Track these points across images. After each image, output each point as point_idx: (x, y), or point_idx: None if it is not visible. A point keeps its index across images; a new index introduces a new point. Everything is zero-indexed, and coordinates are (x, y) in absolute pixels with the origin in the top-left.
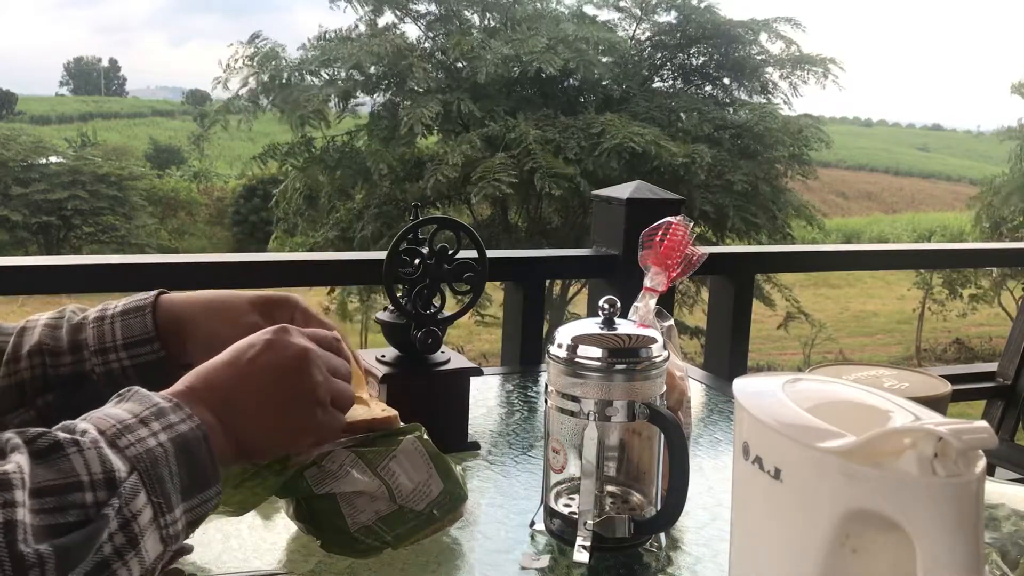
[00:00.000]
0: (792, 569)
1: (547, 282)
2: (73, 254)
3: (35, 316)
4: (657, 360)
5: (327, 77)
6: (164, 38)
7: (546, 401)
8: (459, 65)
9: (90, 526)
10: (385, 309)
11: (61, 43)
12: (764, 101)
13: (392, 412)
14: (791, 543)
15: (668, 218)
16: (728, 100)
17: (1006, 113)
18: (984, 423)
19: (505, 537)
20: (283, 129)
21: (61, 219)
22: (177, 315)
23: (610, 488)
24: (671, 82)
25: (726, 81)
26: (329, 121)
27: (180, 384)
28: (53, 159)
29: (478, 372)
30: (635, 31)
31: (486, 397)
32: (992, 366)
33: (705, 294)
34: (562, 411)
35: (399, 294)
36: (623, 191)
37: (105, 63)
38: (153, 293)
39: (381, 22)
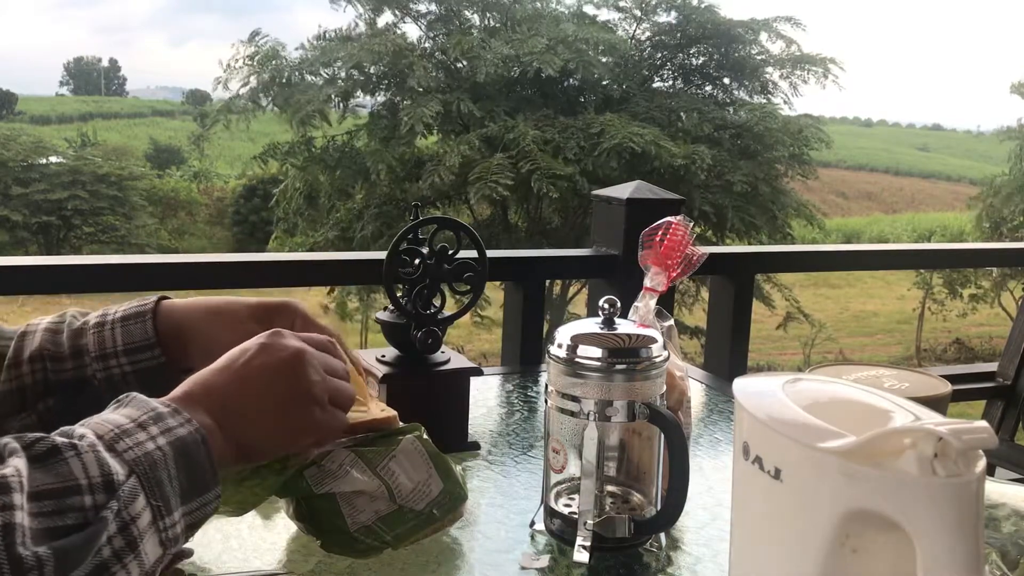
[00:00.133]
0: (792, 569)
1: (547, 282)
2: (73, 254)
3: (35, 320)
4: (657, 360)
5: (327, 76)
6: (164, 38)
7: (546, 401)
8: (459, 65)
9: (89, 529)
10: (385, 309)
11: (61, 43)
12: (764, 101)
13: (392, 412)
14: (791, 543)
15: (668, 218)
16: (728, 100)
17: (1006, 113)
18: (984, 423)
19: (505, 537)
20: (283, 129)
21: (61, 219)
22: (177, 322)
23: (610, 488)
24: (671, 82)
25: (726, 81)
26: (330, 121)
27: (177, 390)
28: (53, 159)
29: (478, 372)
30: (635, 31)
31: (486, 397)
32: (992, 366)
33: (705, 294)
34: (562, 411)
35: (399, 294)
36: (623, 191)
37: (105, 63)
38: (153, 298)
39: (381, 22)
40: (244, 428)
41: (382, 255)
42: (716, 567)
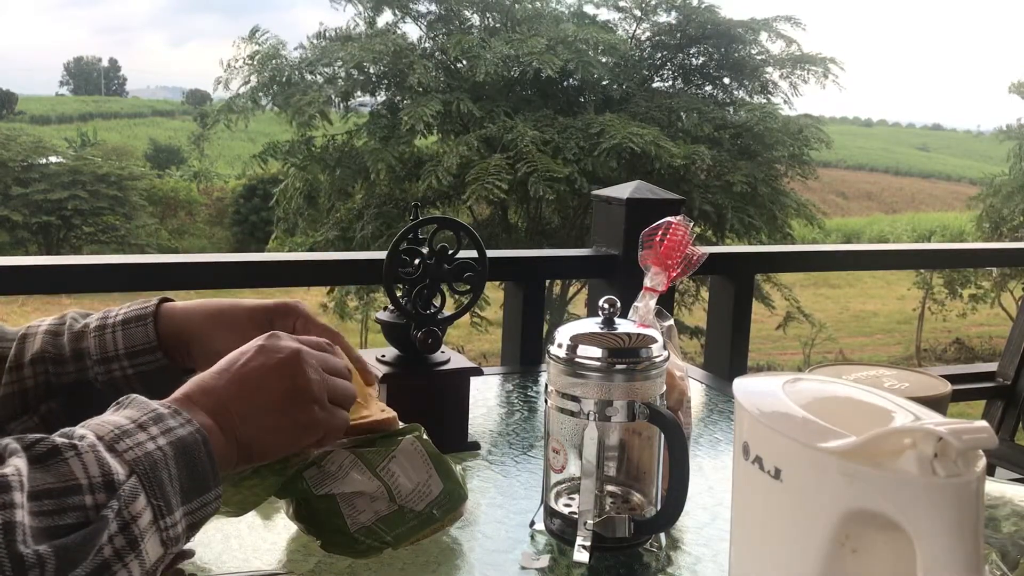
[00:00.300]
0: (792, 569)
1: (547, 282)
2: (73, 254)
3: (36, 322)
4: (657, 360)
5: (327, 75)
6: (164, 38)
7: (546, 401)
8: (459, 65)
9: (89, 528)
10: (385, 309)
11: (61, 43)
12: (764, 101)
13: (392, 413)
14: (791, 543)
15: (668, 218)
16: (728, 100)
17: (1006, 113)
18: (984, 423)
19: (505, 537)
20: (283, 129)
21: (61, 219)
22: (179, 325)
23: (610, 488)
24: (671, 82)
25: (726, 81)
26: (330, 120)
27: (177, 392)
28: (53, 159)
29: (478, 372)
30: (635, 31)
31: (486, 397)
32: (992, 366)
33: (705, 294)
34: (562, 411)
35: (399, 294)
36: (623, 191)
37: (105, 63)
38: (154, 301)
39: (381, 21)
40: (245, 429)
41: (382, 255)
42: (716, 567)
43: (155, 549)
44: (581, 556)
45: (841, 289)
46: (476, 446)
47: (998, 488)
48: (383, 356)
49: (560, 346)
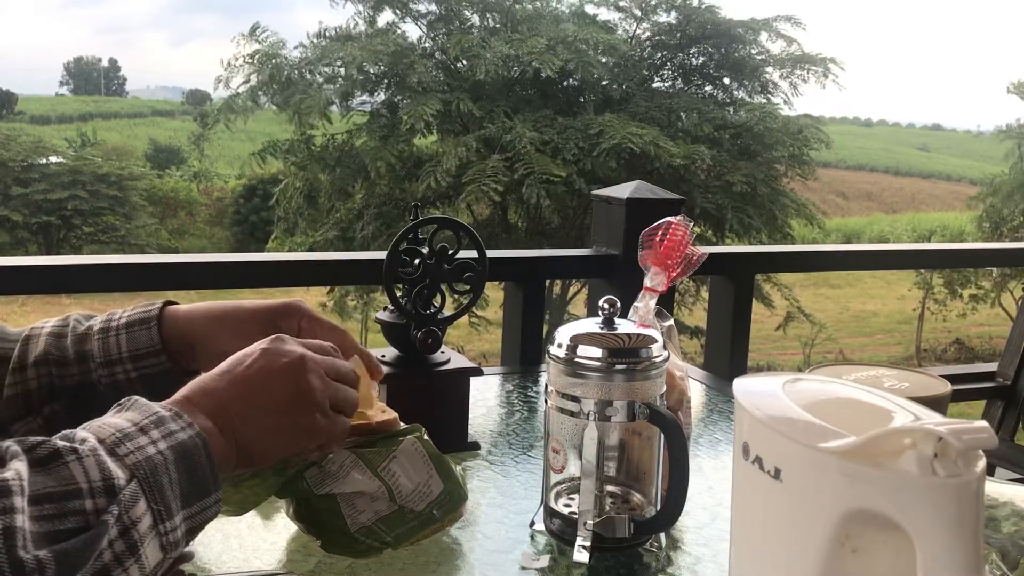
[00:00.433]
0: (792, 569)
1: (547, 282)
2: (73, 254)
3: (39, 324)
4: (657, 360)
5: (328, 74)
6: (164, 38)
7: (546, 401)
8: (459, 65)
9: (89, 532)
10: (385, 309)
11: (61, 43)
12: (764, 101)
13: (393, 415)
14: (791, 543)
15: (668, 218)
16: (728, 100)
17: (1005, 113)
18: (984, 423)
19: (505, 537)
20: (282, 128)
21: (61, 219)
22: (182, 327)
23: (610, 488)
24: (671, 82)
25: (726, 81)
26: (330, 119)
27: (178, 394)
28: (53, 159)
29: (478, 372)
30: (635, 31)
31: (486, 397)
32: (992, 366)
33: (705, 294)
34: (562, 411)
35: (399, 294)
36: (623, 191)
37: (105, 63)
38: (158, 305)
39: (381, 21)
40: (245, 432)
41: (382, 255)
42: (716, 567)
43: (154, 554)
44: (581, 556)
45: (841, 289)
46: (476, 446)
47: (998, 488)
48: (383, 356)
49: (560, 346)
